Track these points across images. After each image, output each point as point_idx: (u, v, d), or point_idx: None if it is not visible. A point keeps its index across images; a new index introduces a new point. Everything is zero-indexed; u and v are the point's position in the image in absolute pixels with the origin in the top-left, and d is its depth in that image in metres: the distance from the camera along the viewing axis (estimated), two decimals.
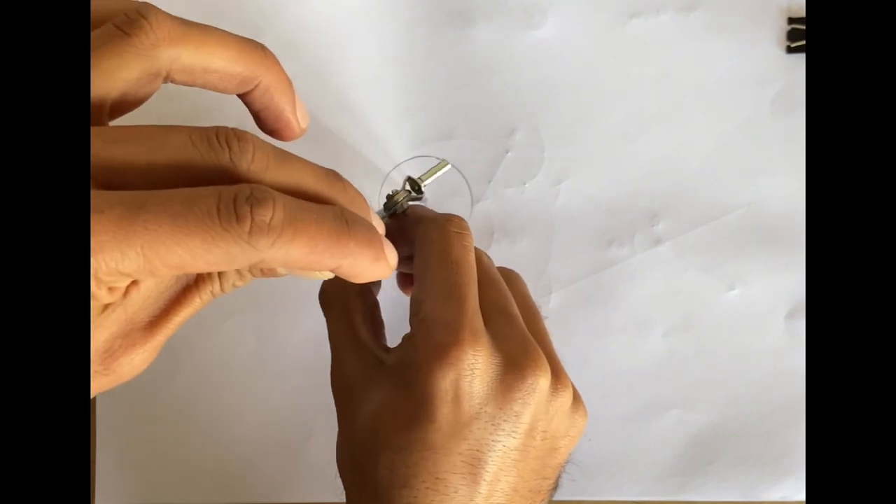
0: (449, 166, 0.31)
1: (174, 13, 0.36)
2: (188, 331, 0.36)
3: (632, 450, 0.36)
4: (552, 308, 0.36)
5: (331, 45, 0.36)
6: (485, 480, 0.25)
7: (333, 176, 0.22)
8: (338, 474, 0.29)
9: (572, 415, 0.28)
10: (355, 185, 0.35)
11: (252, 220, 0.18)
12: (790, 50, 0.35)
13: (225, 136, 0.20)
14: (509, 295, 0.29)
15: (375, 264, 0.21)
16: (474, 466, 0.25)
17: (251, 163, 0.20)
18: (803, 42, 0.35)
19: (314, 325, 0.36)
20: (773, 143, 0.35)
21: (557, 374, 0.27)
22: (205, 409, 0.36)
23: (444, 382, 0.25)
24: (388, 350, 0.28)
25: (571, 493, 0.35)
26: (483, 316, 0.26)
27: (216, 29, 0.22)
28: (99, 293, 0.19)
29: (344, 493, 0.29)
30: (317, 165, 0.22)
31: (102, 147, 0.19)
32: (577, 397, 0.28)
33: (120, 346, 0.21)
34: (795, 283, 0.35)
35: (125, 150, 0.19)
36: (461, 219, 0.28)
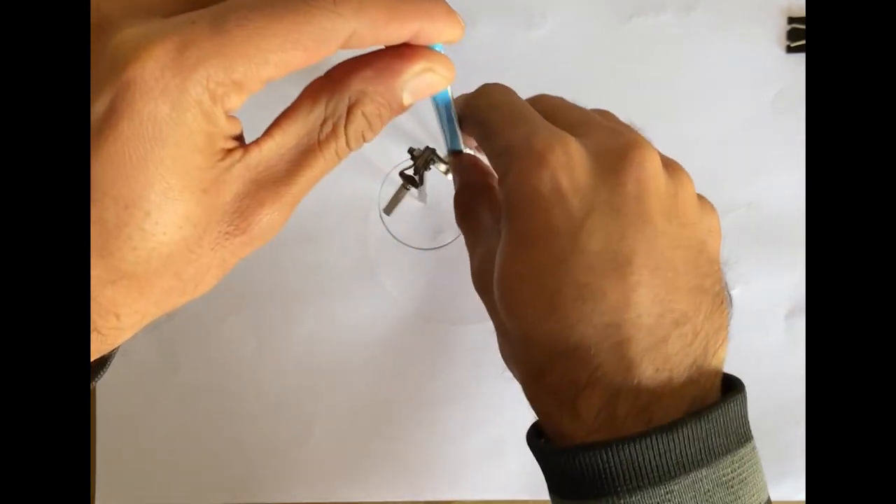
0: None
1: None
2: (188, 330, 0.36)
3: None
4: None
5: None
6: (634, 274, 0.22)
7: None
8: None
9: (702, 204, 0.25)
10: (355, 184, 0.36)
11: None
12: (790, 49, 0.35)
13: None
14: (585, 108, 0.27)
15: (450, 19, 0.21)
16: (615, 261, 0.22)
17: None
18: (803, 42, 0.35)
19: (314, 324, 0.36)
20: (773, 143, 0.35)
21: (666, 158, 0.25)
22: (205, 408, 0.36)
23: (542, 185, 0.23)
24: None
25: None
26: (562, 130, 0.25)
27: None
28: (219, 120, 0.19)
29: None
30: None
31: None
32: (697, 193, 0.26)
33: (248, 205, 0.21)
34: (795, 282, 0.35)
35: None
36: (491, 84, 0.27)
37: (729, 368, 0.36)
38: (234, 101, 0.20)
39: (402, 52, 0.21)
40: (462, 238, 0.35)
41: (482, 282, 0.26)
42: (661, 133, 0.36)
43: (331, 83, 0.21)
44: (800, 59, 0.35)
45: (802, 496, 0.35)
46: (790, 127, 0.35)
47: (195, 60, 0.18)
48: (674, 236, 0.23)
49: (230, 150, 0.20)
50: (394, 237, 0.36)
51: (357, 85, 0.21)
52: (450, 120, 0.28)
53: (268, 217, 0.21)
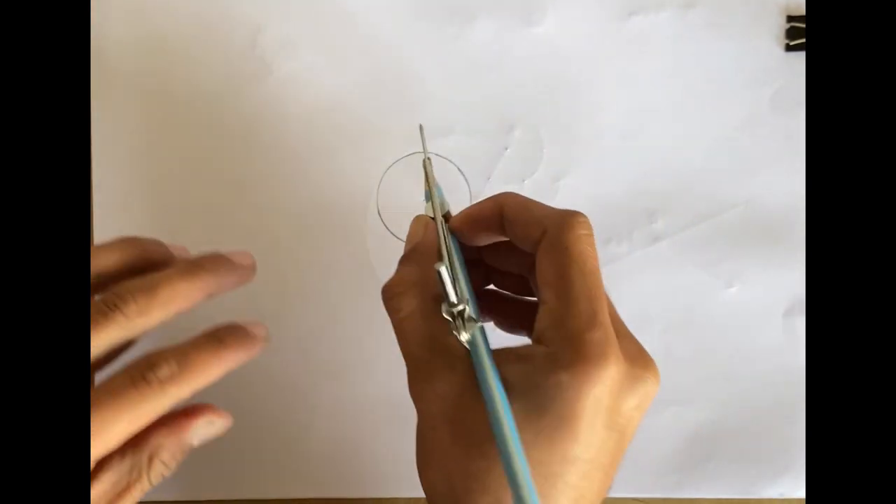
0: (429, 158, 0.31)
1: (177, 17, 0.37)
2: (188, 329, 0.36)
3: (630, 447, 0.36)
4: None
5: (330, 42, 0.36)
6: (598, 480, 0.26)
7: (193, 272, 0.29)
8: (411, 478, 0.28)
9: None
10: (354, 182, 0.36)
11: (157, 377, 0.27)
12: (789, 48, 0.35)
13: (112, 300, 0.27)
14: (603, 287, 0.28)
15: (252, 349, 0.30)
16: (594, 471, 0.25)
17: (135, 313, 0.27)
18: (802, 40, 0.35)
19: (313, 322, 0.36)
20: (772, 141, 0.35)
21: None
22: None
23: (590, 401, 0.25)
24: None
25: None
26: None
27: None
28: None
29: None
30: (178, 275, 0.29)
31: None
32: None
33: None
34: (794, 280, 0.35)
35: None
36: (585, 217, 0.27)
37: (727, 366, 0.36)
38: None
39: (188, 411, 0.29)
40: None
41: (432, 398, 0.27)
42: (660, 130, 0.36)
43: (135, 439, 0.28)
44: (799, 58, 0.35)
45: (799, 493, 0.35)
46: (789, 125, 0.35)
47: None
48: (627, 442, 0.27)
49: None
50: (393, 235, 0.36)
51: (154, 440, 0.28)
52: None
53: None
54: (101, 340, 0.27)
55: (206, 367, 0.28)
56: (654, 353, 0.35)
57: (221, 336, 0.29)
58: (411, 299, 0.28)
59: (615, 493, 0.36)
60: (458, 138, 0.36)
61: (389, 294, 0.29)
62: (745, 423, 0.36)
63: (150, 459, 0.28)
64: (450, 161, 0.36)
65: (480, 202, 0.29)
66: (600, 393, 0.25)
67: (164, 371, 0.27)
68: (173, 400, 0.27)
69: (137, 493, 0.28)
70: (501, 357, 0.26)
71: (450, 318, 0.26)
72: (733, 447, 0.36)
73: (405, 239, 0.33)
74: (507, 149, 0.36)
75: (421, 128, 0.32)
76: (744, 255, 0.36)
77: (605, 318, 0.25)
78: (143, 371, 0.27)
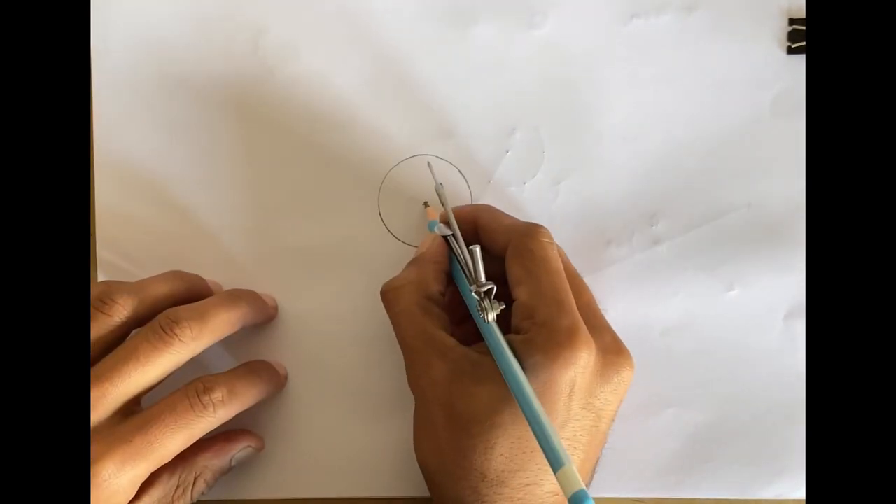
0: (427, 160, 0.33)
1: (177, 19, 0.37)
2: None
3: (629, 447, 0.36)
4: None
5: (332, 44, 0.36)
6: (580, 458, 0.29)
7: (235, 302, 0.33)
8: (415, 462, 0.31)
9: None
10: (356, 184, 0.36)
11: (211, 401, 0.31)
12: (791, 51, 0.35)
13: (167, 324, 0.30)
14: (582, 284, 0.33)
15: (279, 383, 0.35)
16: (575, 448, 0.29)
17: (190, 338, 0.30)
18: (804, 43, 0.35)
19: (312, 321, 0.36)
20: (773, 144, 0.35)
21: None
22: None
23: (564, 380, 0.28)
24: (477, 349, 0.30)
25: None
26: None
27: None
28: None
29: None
30: (222, 305, 0.32)
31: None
32: None
33: None
34: (794, 283, 0.35)
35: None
36: (545, 229, 0.31)
37: (727, 368, 0.36)
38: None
39: (230, 436, 0.34)
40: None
41: (428, 383, 0.30)
42: (661, 133, 0.36)
43: (183, 461, 0.32)
44: (801, 61, 0.35)
45: (798, 494, 0.36)
46: (790, 128, 0.35)
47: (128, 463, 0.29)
48: (606, 425, 0.31)
49: None
50: (394, 236, 0.36)
51: (201, 462, 0.32)
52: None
53: None
54: (165, 362, 0.30)
55: (248, 395, 0.32)
56: (655, 354, 0.36)
57: (257, 369, 0.34)
58: (408, 295, 0.31)
59: (615, 494, 0.36)
60: (458, 141, 0.36)
61: (389, 290, 0.32)
62: (745, 425, 0.36)
63: (196, 479, 0.32)
64: (451, 164, 0.36)
65: (459, 208, 0.34)
66: (574, 374, 0.28)
67: (217, 395, 0.31)
68: (221, 421, 0.31)
69: None
70: (484, 348, 0.30)
71: (477, 298, 0.29)
72: (732, 448, 0.36)
73: (409, 243, 0.34)
74: (508, 151, 0.36)
75: (430, 164, 0.35)
76: (744, 257, 0.36)
77: (573, 308, 0.30)
78: (200, 394, 0.30)
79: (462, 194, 0.36)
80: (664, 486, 0.36)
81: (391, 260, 0.35)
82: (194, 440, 0.30)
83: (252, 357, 0.36)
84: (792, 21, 0.35)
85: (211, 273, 0.35)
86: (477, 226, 0.33)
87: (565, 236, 0.35)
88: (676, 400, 0.36)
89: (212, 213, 0.36)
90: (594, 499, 0.23)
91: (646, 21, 0.35)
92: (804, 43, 0.35)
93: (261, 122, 0.36)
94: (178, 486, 0.32)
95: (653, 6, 0.35)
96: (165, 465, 0.30)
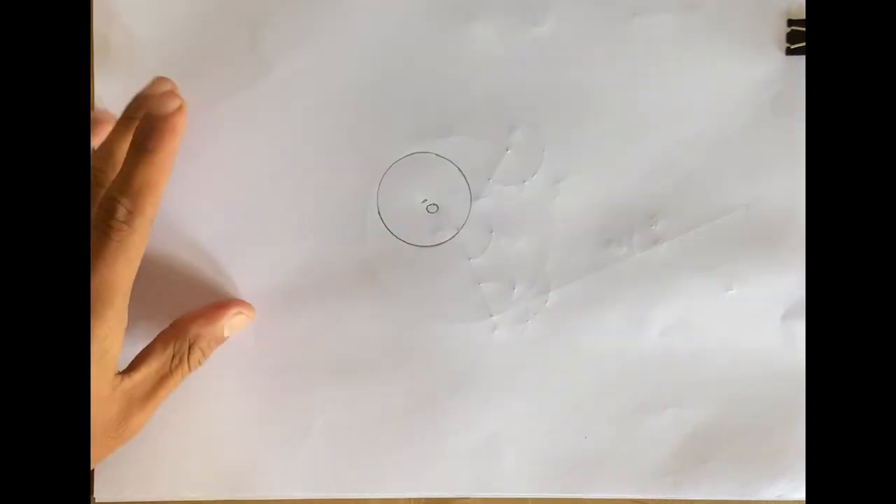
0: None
1: (175, 16, 0.37)
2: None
3: (627, 448, 0.36)
4: (550, 306, 0.36)
5: (330, 40, 0.36)
6: None
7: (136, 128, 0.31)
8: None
9: None
10: (354, 182, 0.36)
11: (119, 220, 0.29)
12: (790, 52, 0.35)
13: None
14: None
15: (178, 120, 0.32)
16: None
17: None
18: (803, 44, 0.35)
19: (311, 321, 0.36)
20: (772, 145, 0.36)
21: None
22: (203, 405, 0.36)
23: None
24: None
25: (568, 490, 0.35)
26: None
27: None
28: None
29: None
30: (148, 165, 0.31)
31: None
32: None
33: (124, 417, 0.30)
34: (793, 283, 0.36)
35: None
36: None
37: (725, 368, 0.36)
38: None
39: (220, 304, 0.34)
40: (461, 236, 0.35)
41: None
42: (661, 133, 0.36)
43: (175, 330, 0.33)
44: (800, 62, 0.35)
45: (798, 495, 0.36)
46: (789, 129, 0.35)
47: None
48: None
49: (119, 376, 0.30)
50: (392, 234, 0.36)
51: (194, 330, 0.33)
52: None
53: (137, 423, 0.31)
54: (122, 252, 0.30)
55: (152, 180, 0.30)
56: (653, 354, 0.36)
57: (143, 143, 0.31)
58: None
59: (615, 494, 0.36)
60: (458, 138, 0.36)
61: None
62: (744, 425, 0.36)
63: (191, 347, 0.32)
64: (450, 161, 0.36)
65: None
66: None
67: (120, 212, 0.29)
68: (148, 224, 0.30)
69: (178, 377, 0.32)
70: None
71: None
72: (732, 449, 0.36)
73: (408, 242, 0.34)
74: (507, 149, 0.36)
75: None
76: (743, 257, 0.36)
77: None
78: (106, 220, 0.29)
79: (461, 192, 0.36)
80: (663, 488, 0.36)
81: (389, 258, 0.35)
82: (138, 261, 0.30)
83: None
84: (791, 22, 0.35)
85: (203, 275, 0.35)
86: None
87: (565, 235, 0.35)
88: (674, 400, 0.36)
89: (209, 211, 0.36)
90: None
91: (647, 20, 0.35)
92: (803, 44, 0.35)
93: (258, 118, 0.36)
94: (173, 356, 0.32)
95: (653, 5, 0.35)
96: (158, 337, 0.32)
